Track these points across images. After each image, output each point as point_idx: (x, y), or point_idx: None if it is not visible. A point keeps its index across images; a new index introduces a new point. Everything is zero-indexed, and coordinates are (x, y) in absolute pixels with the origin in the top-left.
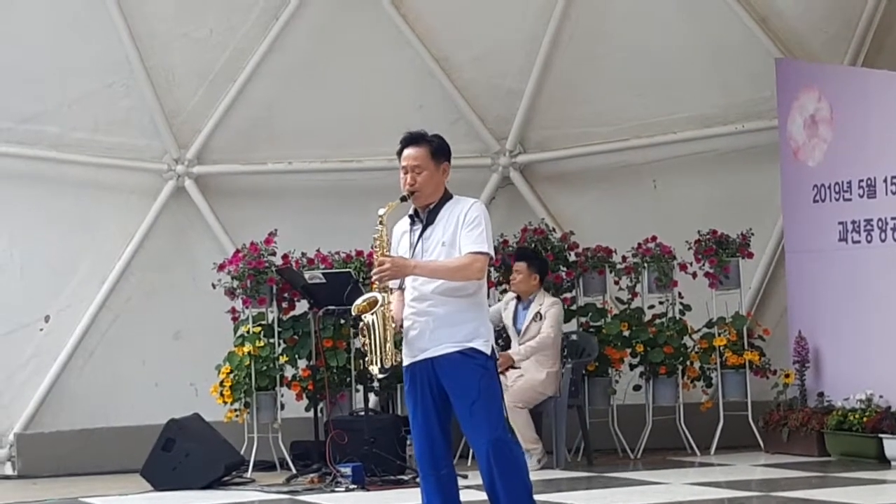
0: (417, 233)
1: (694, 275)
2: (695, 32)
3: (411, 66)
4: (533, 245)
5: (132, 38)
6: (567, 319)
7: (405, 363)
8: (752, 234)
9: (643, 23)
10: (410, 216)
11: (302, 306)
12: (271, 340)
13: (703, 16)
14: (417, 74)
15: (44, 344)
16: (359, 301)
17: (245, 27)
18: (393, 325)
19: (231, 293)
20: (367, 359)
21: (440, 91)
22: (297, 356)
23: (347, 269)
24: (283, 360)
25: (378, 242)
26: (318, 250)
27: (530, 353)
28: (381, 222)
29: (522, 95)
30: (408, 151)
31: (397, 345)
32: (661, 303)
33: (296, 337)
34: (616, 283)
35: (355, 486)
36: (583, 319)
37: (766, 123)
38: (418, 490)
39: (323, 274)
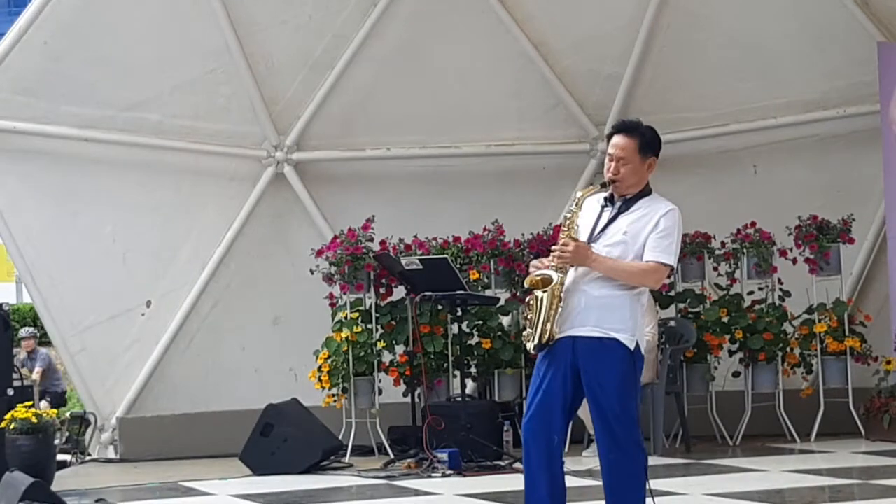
0: (606, 217)
1: (794, 261)
2: (795, 16)
3: (510, 51)
4: None
5: (232, 25)
6: (665, 305)
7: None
8: (854, 219)
9: (742, 7)
10: (605, 197)
11: (399, 292)
12: (369, 326)
13: (803, 0)
14: (516, 60)
15: (145, 329)
16: (534, 274)
17: (344, 13)
18: (560, 307)
19: (329, 279)
20: (525, 332)
21: (539, 77)
22: (394, 342)
23: (444, 256)
24: (380, 345)
25: (568, 223)
26: (415, 236)
27: None
28: (576, 204)
29: (621, 81)
30: (616, 140)
31: None
32: (760, 289)
33: (393, 322)
34: (715, 269)
35: (452, 472)
36: (681, 305)
37: (868, 108)
38: (514, 476)
39: (420, 260)
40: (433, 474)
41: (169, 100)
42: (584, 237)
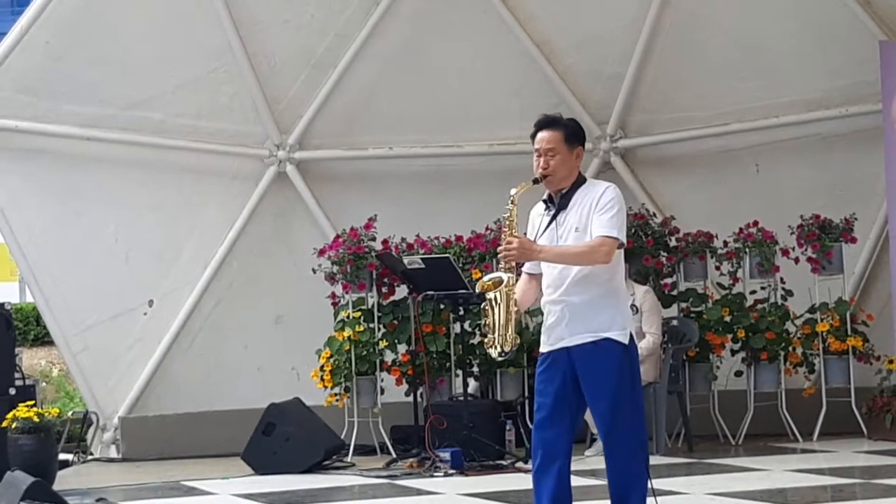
0: (550, 216)
1: (796, 260)
2: (797, 15)
3: (512, 51)
4: (633, 230)
5: (234, 25)
6: (668, 305)
7: (543, 350)
8: (856, 218)
9: (744, 7)
10: (545, 200)
11: (401, 291)
12: (371, 325)
13: None
14: (518, 59)
15: (148, 328)
16: (485, 279)
17: (346, 12)
18: (515, 309)
19: (331, 278)
20: (486, 339)
21: (541, 76)
22: (396, 341)
23: (447, 255)
24: (382, 344)
25: (507, 222)
26: (417, 235)
27: (644, 360)
28: (512, 202)
29: (623, 80)
30: (541, 135)
31: (520, 332)
32: (762, 288)
33: (395, 322)
34: (717, 268)
35: (454, 471)
36: (683, 305)
37: (870, 107)
38: (517, 475)
39: (422, 259)
40: (435, 474)
41: (171, 99)
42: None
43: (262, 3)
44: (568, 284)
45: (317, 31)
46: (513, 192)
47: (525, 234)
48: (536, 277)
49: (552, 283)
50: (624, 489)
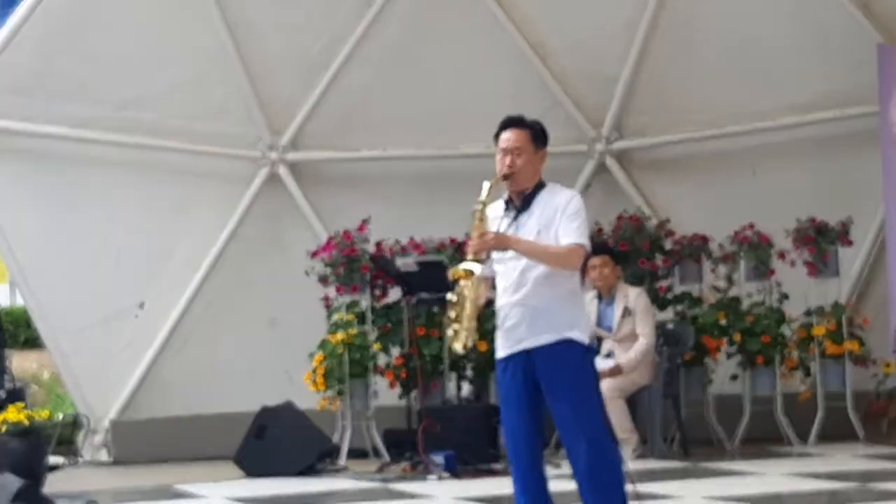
0: (511, 217)
1: (792, 263)
2: (795, 18)
3: (507, 52)
4: (629, 233)
5: (227, 26)
6: (663, 308)
7: (500, 355)
8: (852, 221)
9: (741, 8)
10: (505, 201)
11: (395, 294)
12: (364, 328)
13: (803, 1)
14: (513, 61)
15: (139, 330)
16: (458, 266)
17: (340, 14)
18: (480, 304)
19: (324, 280)
20: (450, 332)
21: (536, 78)
22: (390, 344)
23: (441, 257)
24: (376, 347)
25: (478, 216)
26: (411, 238)
27: (638, 363)
28: (484, 197)
29: (619, 82)
30: (507, 134)
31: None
32: (758, 291)
33: (389, 325)
34: (713, 271)
35: (447, 475)
36: (679, 308)
37: (867, 109)
38: (510, 479)
39: (416, 261)
40: (428, 477)
41: (164, 100)
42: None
43: (255, 4)
44: (530, 286)
45: (310, 33)
46: (485, 184)
47: (481, 207)
48: (488, 281)
49: (511, 285)
50: (602, 484)
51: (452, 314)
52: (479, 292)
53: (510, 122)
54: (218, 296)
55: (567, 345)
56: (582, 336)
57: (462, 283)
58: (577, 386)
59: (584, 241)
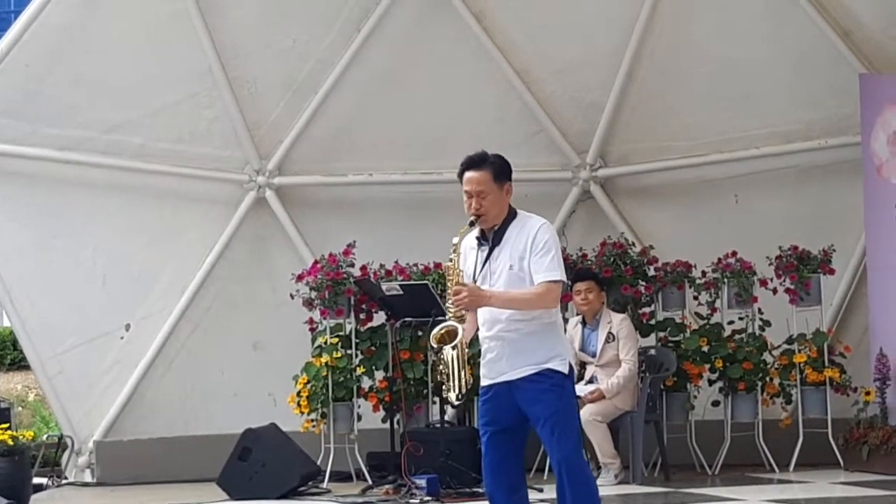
0: (485, 254)
1: (774, 291)
2: (778, 47)
3: (492, 78)
4: (612, 259)
5: (215, 49)
6: (646, 334)
7: (484, 383)
8: (834, 250)
9: (726, 37)
10: (476, 237)
11: (380, 318)
12: (349, 351)
13: (786, 30)
14: (498, 87)
15: (124, 352)
16: (436, 330)
17: (328, 39)
18: (467, 351)
19: (309, 304)
20: (444, 387)
21: (521, 104)
22: (374, 367)
23: (425, 282)
24: (360, 371)
25: (451, 271)
26: (396, 262)
27: (620, 388)
28: (454, 251)
29: (604, 109)
30: (469, 175)
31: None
32: (740, 318)
33: (373, 348)
34: (695, 298)
35: (430, 498)
36: (661, 334)
37: (849, 139)
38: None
39: (400, 285)
40: (411, 500)
41: (151, 123)
42: (470, 282)
43: (243, 27)
44: (504, 322)
45: (298, 57)
46: (454, 240)
47: (458, 266)
48: (473, 312)
49: (488, 321)
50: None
51: (442, 372)
52: (463, 350)
53: (469, 163)
54: (204, 318)
55: (547, 374)
56: (562, 365)
57: (445, 350)
58: (555, 409)
59: (558, 275)
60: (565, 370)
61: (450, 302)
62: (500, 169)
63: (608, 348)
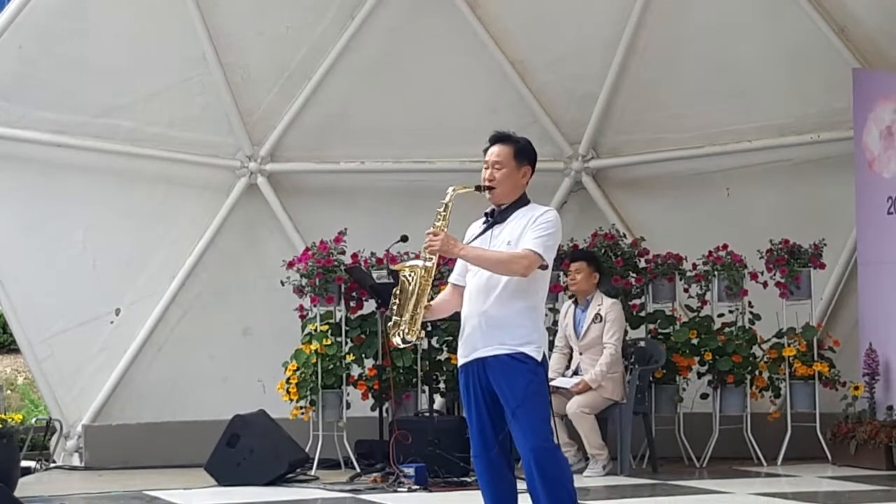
0: (485, 228)
1: (765, 284)
2: (772, 41)
3: (486, 68)
4: (603, 251)
5: (209, 35)
6: (636, 326)
7: (459, 363)
8: (825, 244)
9: (719, 30)
10: (485, 214)
11: (369, 306)
12: (338, 339)
13: (780, 24)
14: (492, 77)
15: (114, 337)
16: (405, 263)
17: (321, 26)
18: (427, 303)
19: (299, 291)
20: (390, 324)
21: (514, 94)
22: (363, 355)
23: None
24: (349, 358)
25: (441, 214)
26: (387, 250)
27: (604, 376)
28: (448, 199)
29: (597, 100)
30: (492, 149)
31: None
32: (730, 311)
33: (363, 336)
34: (686, 290)
35: (418, 487)
36: (651, 326)
37: (842, 134)
38: (480, 492)
39: (390, 272)
40: (399, 489)
41: (144, 107)
42: None
43: (237, 13)
44: (492, 298)
45: (292, 44)
46: (450, 189)
47: (444, 207)
48: (459, 290)
49: (476, 295)
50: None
51: (394, 307)
52: (423, 287)
53: (496, 138)
54: (193, 304)
55: (520, 357)
56: (536, 352)
57: (404, 273)
58: (524, 396)
59: (541, 250)
60: (538, 357)
61: (425, 241)
62: (522, 149)
63: (593, 328)
